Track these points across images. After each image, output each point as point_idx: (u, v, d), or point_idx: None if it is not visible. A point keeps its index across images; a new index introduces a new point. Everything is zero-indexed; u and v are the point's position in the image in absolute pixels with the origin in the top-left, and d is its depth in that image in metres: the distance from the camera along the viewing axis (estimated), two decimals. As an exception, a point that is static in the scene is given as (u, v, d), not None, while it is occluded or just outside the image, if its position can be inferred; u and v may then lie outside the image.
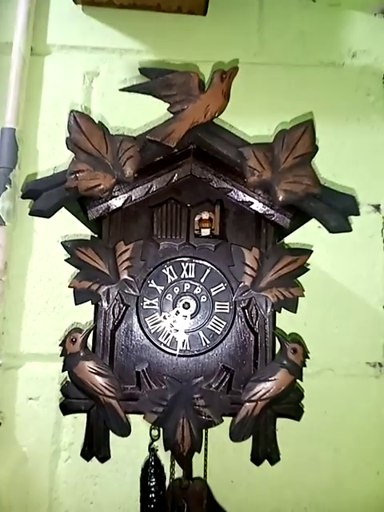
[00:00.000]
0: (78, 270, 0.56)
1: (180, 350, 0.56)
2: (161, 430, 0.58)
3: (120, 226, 0.58)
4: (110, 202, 0.57)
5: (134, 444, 0.69)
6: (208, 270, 0.57)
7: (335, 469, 0.71)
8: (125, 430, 0.53)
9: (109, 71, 0.80)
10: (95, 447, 0.54)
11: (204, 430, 0.57)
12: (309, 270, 0.57)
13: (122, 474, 0.70)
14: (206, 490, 0.59)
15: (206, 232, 0.58)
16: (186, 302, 0.55)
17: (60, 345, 0.55)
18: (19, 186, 0.73)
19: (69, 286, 0.55)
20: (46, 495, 0.70)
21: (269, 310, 0.55)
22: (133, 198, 0.58)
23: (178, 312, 0.56)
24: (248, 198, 0.58)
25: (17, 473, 0.70)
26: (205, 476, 0.60)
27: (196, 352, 0.56)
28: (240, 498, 0.70)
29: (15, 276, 0.74)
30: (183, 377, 0.55)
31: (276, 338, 0.56)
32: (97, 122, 0.52)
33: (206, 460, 0.59)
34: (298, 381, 0.55)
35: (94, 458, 0.66)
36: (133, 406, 0.54)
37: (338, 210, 0.52)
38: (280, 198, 0.50)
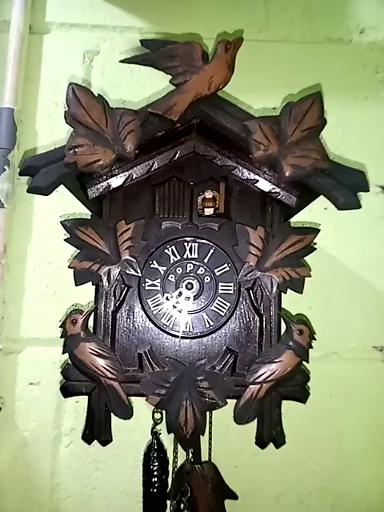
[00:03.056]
0: (78, 251, 0.54)
1: (183, 332, 0.54)
2: (163, 413, 0.57)
3: (121, 205, 0.56)
4: (110, 180, 0.55)
5: (137, 428, 0.68)
6: (212, 250, 0.56)
7: (340, 453, 0.70)
8: (127, 413, 0.52)
9: (109, 49, 0.78)
10: (97, 430, 0.53)
11: (208, 414, 0.56)
12: (315, 249, 0.55)
13: (124, 459, 0.69)
14: (214, 473, 0.58)
15: (209, 211, 0.57)
16: (189, 283, 0.54)
17: (60, 326, 0.54)
18: (18, 167, 0.72)
19: (69, 267, 0.54)
20: (48, 481, 0.69)
21: (274, 291, 0.54)
22: (134, 176, 0.56)
23: (180, 293, 0.54)
24: (253, 176, 0.56)
25: (18, 458, 0.69)
26: (209, 461, 0.58)
27: (199, 334, 0.54)
28: (244, 482, 0.69)
29: (15, 259, 0.72)
30: (186, 359, 0.54)
31: (281, 320, 0.55)
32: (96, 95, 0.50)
33: (210, 444, 0.58)
34: (304, 363, 0.54)
35: (96, 442, 0.67)
36: (135, 389, 0.53)
37: (346, 186, 0.50)
38: (287, 174, 0.49)
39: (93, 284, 0.54)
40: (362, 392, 0.72)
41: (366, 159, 0.75)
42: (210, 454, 0.58)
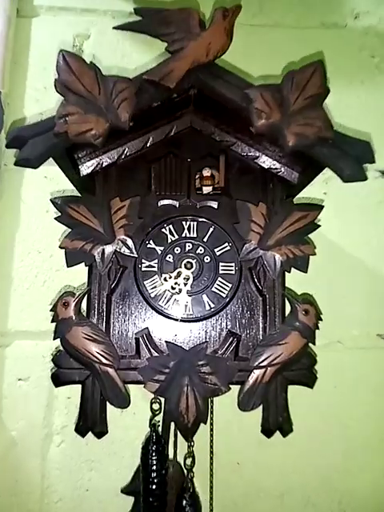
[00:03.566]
0: (69, 230, 0.51)
1: (182, 315, 0.51)
2: (162, 403, 0.54)
3: (115, 182, 0.53)
4: (102, 156, 0.52)
5: (133, 424, 0.64)
6: (211, 229, 0.53)
7: (346, 446, 0.67)
8: (123, 401, 0.48)
9: (100, 34, 0.76)
10: (91, 421, 0.49)
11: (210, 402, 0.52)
12: (320, 226, 0.53)
13: (119, 458, 0.65)
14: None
15: (207, 189, 0.54)
16: (188, 262, 0.51)
17: (51, 310, 0.50)
18: (5, 151, 0.69)
19: (60, 247, 0.50)
20: (38, 483, 0.65)
21: (278, 270, 0.51)
22: (127, 152, 0.53)
23: (179, 273, 0.51)
24: (253, 152, 0.54)
25: (5, 459, 0.64)
26: (211, 457, 0.55)
27: (200, 317, 0.51)
28: (247, 480, 0.66)
29: (2, 248, 0.68)
30: (186, 343, 0.51)
31: (285, 300, 0.52)
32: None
33: (212, 441, 0.54)
34: (310, 345, 0.51)
35: (89, 440, 0.63)
36: (132, 376, 0.49)
37: (352, 157, 0.48)
38: (290, 143, 0.46)
39: (86, 265, 0.51)
40: (366, 382, 0.69)
41: (363, 144, 0.74)
42: (211, 447, 0.55)
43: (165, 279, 0.51)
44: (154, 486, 0.51)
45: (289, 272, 0.52)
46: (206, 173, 0.55)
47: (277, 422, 0.50)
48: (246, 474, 0.66)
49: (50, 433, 0.65)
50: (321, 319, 0.51)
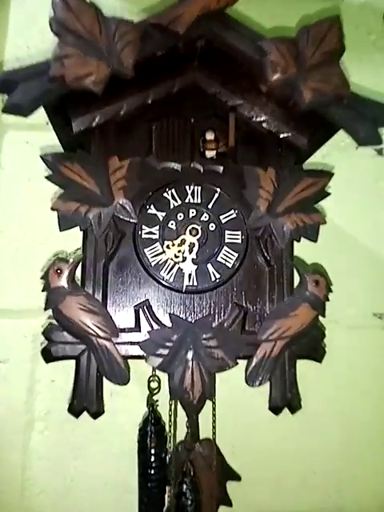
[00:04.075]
0: (62, 190, 0.46)
1: (186, 286, 0.47)
2: (161, 381, 0.50)
3: (112, 141, 0.49)
4: (98, 111, 0.48)
5: (122, 408, 0.60)
6: (216, 195, 0.49)
7: (343, 426, 0.66)
8: (123, 377, 0.44)
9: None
10: (87, 400, 0.44)
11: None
12: (330, 194, 0.51)
13: (108, 445, 0.61)
14: (215, 452, 0.51)
15: (210, 154, 0.51)
16: (193, 228, 0.47)
17: (41, 278, 0.45)
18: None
19: (52, 208, 0.45)
20: (18, 474, 0.59)
21: (287, 239, 0.48)
22: (126, 108, 0.49)
23: (183, 241, 0.48)
24: (261, 115, 0.51)
25: (-18, 449, 0.59)
26: (213, 438, 0.51)
27: (205, 287, 0.48)
28: (242, 463, 0.63)
29: (-22, 219, 0.62)
30: (190, 315, 0.47)
31: (294, 272, 0.50)
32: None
33: (214, 421, 0.51)
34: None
35: (75, 427, 0.58)
36: (132, 350, 0.45)
37: (367, 119, 0.45)
38: (307, 99, 0.43)
39: (80, 229, 0.46)
40: (362, 361, 0.68)
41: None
42: (214, 427, 0.51)
43: (167, 247, 0.47)
44: (152, 471, 0.47)
45: (298, 241, 0.49)
46: (210, 136, 0.51)
47: (285, 399, 0.47)
48: (241, 458, 0.63)
49: (32, 419, 0.60)
50: (331, 290, 0.49)
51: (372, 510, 0.65)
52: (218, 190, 0.49)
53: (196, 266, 0.47)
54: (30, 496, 0.60)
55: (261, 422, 0.64)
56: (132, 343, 0.45)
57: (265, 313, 0.48)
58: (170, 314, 0.46)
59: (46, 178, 0.46)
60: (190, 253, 0.47)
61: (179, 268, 0.47)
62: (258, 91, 0.49)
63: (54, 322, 0.45)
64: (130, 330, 0.46)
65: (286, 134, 0.51)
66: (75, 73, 0.40)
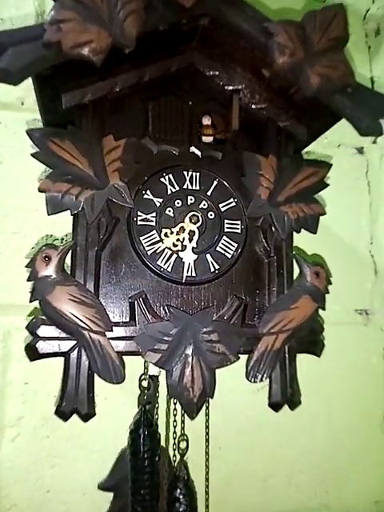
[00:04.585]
0: (51, 170, 0.42)
1: (184, 277, 0.44)
2: (153, 381, 0.47)
3: (106, 119, 0.45)
4: (90, 87, 0.44)
5: (103, 411, 0.55)
6: (215, 182, 0.47)
7: (327, 422, 0.65)
8: (118, 375, 0.40)
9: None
10: (77, 402, 0.40)
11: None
12: (329, 185, 0.50)
13: (87, 451, 0.56)
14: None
15: (207, 139, 0.48)
16: (193, 215, 0.45)
17: (27, 266, 0.40)
18: None
19: (39, 190, 0.41)
20: (-15, 487, 0.53)
21: (287, 229, 0.47)
22: (120, 86, 0.45)
23: (182, 228, 0.45)
24: (261, 101, 0.49)
25: None
26: (206, 439, 0.48)
27: (204, 279, 0.45)
28: (229, 462, 0.61)
29: None
30: (188, 308, 0.44)
31: (293, 263, 0.48)
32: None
33: (207, 420, 0.48)
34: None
35: (51, 434, 0.54)
36: (126, 345, 0.42)
37: (370, 109, 0.45)
38: (314, 85, 0.42)
39: (71, 214, 0.42)
40: (346, 357, 0.68)
41: (340, 123, 0.73)
42: (207, 427, 0.49)
43: (165, 235, 0.44)
44: (145, 477, 0.43)
45: (298, 232, 0.48)
46: (206, 121, 0.49)
47: (286, 395, 0.45)
48: (228, 457, 0.61)
49: (3, 426, 0.54)
50: (330, 283, 0.48)
51: (356, 506, 0.65)
52: (217, 176, 0.47)
53: (196, 256, 0.44)
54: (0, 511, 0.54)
55: (247, 422, 0.63)
56: (126, 338, 0.42)
57: (264, 305, 0.47)
58: (167, 306, 0.43)
59: (32, 155, 0.41)
60: (190, 241, 0.44)
61: (179, 257, 0.44)
62: (260, 76, 0.47)
63: (40, 315, 0.40)
64: (125, 324, 0.42)
65: (285, 123, 0.49)
66: (73, 39, 0.36)
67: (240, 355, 0.44)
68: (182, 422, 0.47)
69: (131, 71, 0.46)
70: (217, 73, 0.48)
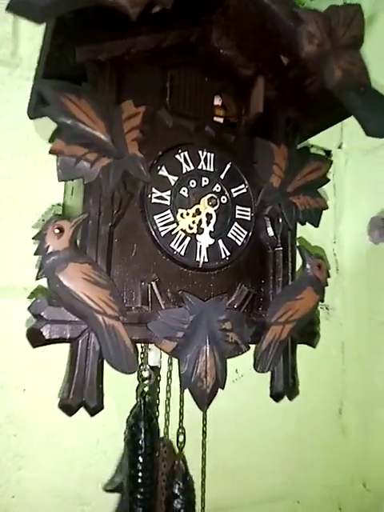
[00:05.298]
0: (61, 130, 0.36)
1: (197, 262, 0.42)
2: (154, 370, 0.44)
3: (123, 81, 0.41)
4: (109, 44, 0.39)
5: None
6: (228, 166, 0.45)
7: (297, 413, 0.67)
8: (132, 364, 0.37)
9: None
10: (85, 393, 0.36)
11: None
12: (329, 180, 0.51)
13: (59, 450, 0.51)
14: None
15: (218, 120, 0.47)
16: (212, 197, 0.42)
17: (34, 238, 0.35)
18: None
19: (51, 152, 0.36)
20: None
21: (294, 220, 0.47)
22: (137, 48, 0.41)
23: (197, 211, 0.42)
24: (273, 89, 0.48)
25: None
26: (204, 431, 0.47)
27: (216, 265, 0.43)
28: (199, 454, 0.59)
29: None
30: (200, 295, 0.42)
31: (296, 253, 0.48)
32: None
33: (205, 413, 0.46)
34: (318, 302, 0.48)
35: (18, 432, 0.48)
36: (140, 332, 0.38)
37: (379, 111, 0.47)
38: (336, 78, 0.43)
39: (84, 182, 0.37)
40: (307, 351, 0.71)
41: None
42: (204, 419, 0.47)
43: (181, 216, 0.41)
44: (146, 474, 0.40)
45: (303, 224, 0.48)
46: (217, 101, 0.47)
47: (288, 385, 0.45)
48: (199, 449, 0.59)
49: (-38, 425, 0.47)
50: (329, 276, 0.49)
51: (315, 492, 0.68)
52: (230, 160, 0.45)
53: (213, 240, 0.42)
54: None
55: (215, 413, 0.62)
56: (140, 324, 0.38)
57: (269, 295, 0.46)
58: (183, 291, 0.40)
59: (43, 111, 0.36)
60: (208, 224, 0.42)
61: (194, 241, 0.42)
62: (276, 63, 0.46)
63: (45, 295, 0.35)
64: (138, 309, 0.39)
65: (293, 113, 0.49)
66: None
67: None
68: (181, 413, 0.44)
69: (150, 34, 0.42)
70: (231, 52, 0.47)
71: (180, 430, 0.44)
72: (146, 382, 0.43)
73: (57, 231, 0.34)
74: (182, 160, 0.43)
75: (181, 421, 0.45)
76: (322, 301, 0.48)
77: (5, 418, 0.48)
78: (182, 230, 0.41)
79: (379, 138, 0.47)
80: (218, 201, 0.43)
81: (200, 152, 0.44)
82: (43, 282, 0.49)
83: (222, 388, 0.41)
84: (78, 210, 0.38)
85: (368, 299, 0.73)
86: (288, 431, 0.67)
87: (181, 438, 0.44)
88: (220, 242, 0.43)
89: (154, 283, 0.39)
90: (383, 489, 0.67)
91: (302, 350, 0.68)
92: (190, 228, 0.42)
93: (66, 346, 0.45)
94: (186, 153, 0.43)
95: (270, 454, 0.64)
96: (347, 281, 0.75)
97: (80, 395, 0.35)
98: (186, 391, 0.40)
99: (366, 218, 0.73)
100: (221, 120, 0.47)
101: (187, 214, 0.42)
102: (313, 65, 0.44)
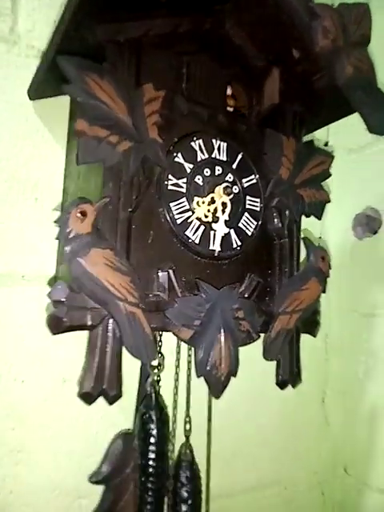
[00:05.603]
0: (82, 110, 0.35)
1: (211, 250, 0.42)
2: (163, 359, 0.43)
3: (141, 64, 0.40)
4: (127, 24, 0.38)
5: (74, 397, 0.50)
6: (240, 156, 0.45)
7: (283, 402, 0.69)
8: (152, 353, 0.36)
9: None
10: (105, 381, 0.35)
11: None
12: (331, 175, 0.52)
13: (58, 443, 0.49)
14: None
15: (229, 109, 0.47)
16: (227, 186, 0.42)
17: (55, 221, 0.33)
18: None
19: (75, 131, 0.34)
20: None
21: (300, 212, 0.48)
22: (154, 31, 0.40)
23: (212, 199, 0.42)
24: (281, 82, 0.49)
25: None
26: (209, 419, 0.47)
27: (228, 255, 0.43)
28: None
29: None
30: (214, 283, 0.42)
31: (301, 245, 0.50)
32: None
33: (210, 401, 0.47)
34: (319, 293, 0.49)
35: (16, 426, 0.46)
36: (157, 320, 0.38)
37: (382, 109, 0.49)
38: (347, 74, 0.44)
39: (104, 165, 0.36)
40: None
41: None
42: (209, 407, 0.47)
43: (197, 204, 0.41)
44: (157, 463, 0.40)
45: (307, 217, 0.49)
46: (228, 91, 0.47)
47: (293, 373, 0.46)
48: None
49: None
50: (330, 267, 0.51)
51: (299, 478, 0.70)
52: (241, 150, 0.45)
53: (228, 230, 0.42)
54: None
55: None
56: (157, 311, 0.38)
57: (275, 285, 0.47)
58: (198, 279, 0.40)
59: (64, 90, 0.34)
60: (223, 214, 0.42)
61: (209, 229, 0.41)
62: (286, 56, 0.47)
63: (63, 281, 0.34)
64: (155, 297, 0.38)
65: (299, 107, 0.50)
66: None
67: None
68: (187, 402, 0.44)
69: (167, 18, 0.41)
70: (244, 43, 0.47)
71: (187, 419, 0.44)
72: (156, 370, 0.42)
73: (79, 215, 0.33)
74: (196, 148, 0.42)
75: (187, 409, 0.44)
76: (324, 292, 0.50)
77: (2, 410, 0.46)
78: (197, 218, 0.41)
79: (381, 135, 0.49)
80: (233, 191, 0.43)
81: (213, 140, 0.43)
82: (43, 270, 0.48)
83: (235, 376, 0.41)
84: (93, 194, 0.37)
85: (351, 292, 0.76)
86: (274, 420, 0.68)
87: (187, 427, 0.44)
88: (232, 231, 0.44)
89: (171, 271, 0.39)
90: (363, 473, 0.70)
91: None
92: (206, 216, 0.41)
93: (65, 336, 0.45)
94: (200, 141, 0.43)
95: (258, 442, 0.66)
96: (332, 274, 0.78)
97: (100, 383, 0.34)
98: (192, 380, 0.40)
99: (351, 215, 0.76)
100: (231, 109, 0.47)
101: (203, 203, 0.41)
102: (325, 60, 0.45)
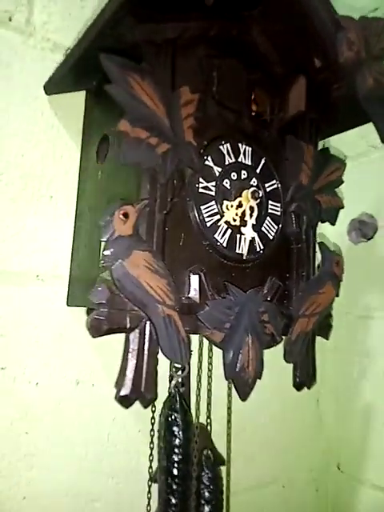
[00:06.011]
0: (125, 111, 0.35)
1: (237, 253, 0.43)
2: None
3: (176, 66, 0.40)
4: (164, 25, 0.38)
5: (88, 400, 0.49)
6: (263, 161, 0.46)
7: (279, 402, 0.70)
8: (186, 356, 0.36)
9: None
10: (143, 385, 0.34)
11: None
12: (343, 182, 0.54)
13: (70, 446, 0.48)
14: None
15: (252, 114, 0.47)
16: (255, 191, 0.43)
17: (100, 222, 0.33)
18: None
19: (118, 132, 0.34)
20: None
21: (317, 217, 0.49)
22: (189, 33, 0.40)
23: (240, 203, 0.42)
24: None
25: None
26: (228, 420, 0.47)
27: (251, 258, 0.44)
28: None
29: None
30: (240, 286, 0.42)
31: (317, 249, 0.51)
32: None
33: (229, 401, 0.47)
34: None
35: (30, 430, 0.45)
36: (189, 323, 0.38)
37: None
38: (368, 86, 0.45)
39: (143, 166, 0.36)
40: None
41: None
42: (229, 408, 0.47)
43: (226, 208, 0.41)
44: (181, 466, 0.40)
45: (323, 222, 0.51)
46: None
47: (309, 374, 0.47)
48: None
49: (-31, 423, 0.43)
50: (343, 272, 0.52)
51: (296, 475, 0.72)
52: (264, 156, 0.46)
53: (255, 233, 0.43)
54: None
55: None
56: (190, 314, 0.38)
57: (292, 289, 0.48)
58: (226, 282, 0.41)
59: (106, 88, 0.34)
60: (251, 217, 0.42)
61: (238, 233, 0.42)
62: (309, 64, 0.48)
63: (104, 283, 0.33)
64: (188, 299, 0.38)
65: (316, 116, 0.51)
66: None
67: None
68: (209, 404, 0.45)
69: (199, 21, 0.41)
70: (267, 48, 0.47)
71: (208, 420, 0.44)
72: (180, 373, 0.42)
73: (122, 217, 0.33)
74: (224, 151, 0.43)
75: (209, 411, 0.45)
76: (338, 295, 0.51)
77: (16, 413, 0.45)
78: (225, 221, 0.41)
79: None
80: (260, 195, 0.43)
81: (239, 145, 0.44)
82: (58, 269, 0.47)
83: (260, 379, 0.42)
84: (123, 195, 0.37)
85: (346, 295, 0.78)
86: (271, 420, 0.70)
87: (209, 428, 0.44)
88: (255, 235, 0.44)
89: (202, 274, 0.39)
90: (355, 470, 0.73)
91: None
92: (234, 220, 0.42)
93: (78, 337, 0.44)
94: (228, 144, 0.43)
95: (258, 442, 0.67)
96: (327, 277, 0.80)
97: (138, 387, 0.34)
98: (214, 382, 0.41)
99: (347, 220, 0.78)
100: (253, 114, 0.47)
101: (231, 206, 0.42)
102: (347, 71, 0.46)
